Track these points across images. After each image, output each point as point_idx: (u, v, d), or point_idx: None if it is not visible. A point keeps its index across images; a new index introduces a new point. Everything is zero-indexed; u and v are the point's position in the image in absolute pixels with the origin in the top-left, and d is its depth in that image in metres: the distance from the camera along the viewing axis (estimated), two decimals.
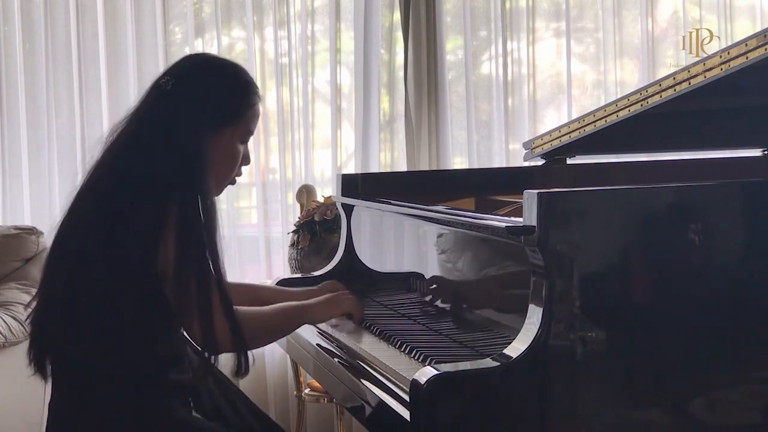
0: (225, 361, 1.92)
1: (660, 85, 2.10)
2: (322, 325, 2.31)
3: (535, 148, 2.65)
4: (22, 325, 3.23)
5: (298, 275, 3.01)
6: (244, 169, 2.03)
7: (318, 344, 2.24)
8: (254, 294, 2.27)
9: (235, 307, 1.90)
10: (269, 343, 2.18)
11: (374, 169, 4.03)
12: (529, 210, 1.64)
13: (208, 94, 1.93)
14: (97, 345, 1.82)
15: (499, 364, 1.58)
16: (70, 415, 1.87)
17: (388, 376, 1.85)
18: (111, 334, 1.81)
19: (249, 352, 1.89)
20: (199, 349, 1.83)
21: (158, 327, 1.85)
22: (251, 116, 1.99)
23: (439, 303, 2.19)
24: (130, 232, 1.80)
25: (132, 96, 3.91)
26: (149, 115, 1.91)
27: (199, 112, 1.90)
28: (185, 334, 1.89)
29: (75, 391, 1.86)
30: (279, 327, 2.10)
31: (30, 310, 1.93)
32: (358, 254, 2.67)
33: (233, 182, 2.03)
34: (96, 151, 1.93)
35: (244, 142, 2.00)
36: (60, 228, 1.92)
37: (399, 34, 4.07)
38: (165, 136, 1.87)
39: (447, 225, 2.10)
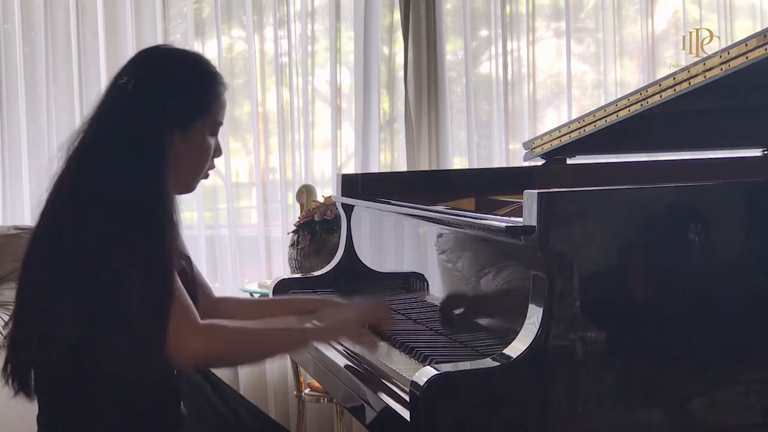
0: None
1: (660, 85, 2.10)
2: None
3: (535, 148, 2.65)
4: None
5: (298, 275, 3.01)
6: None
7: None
8: (246, 310, 2.16)
9: (218, 321, 1.84)
10: (256, 362, 2.00)
11: (374, 169, 4.04)
12: (529, 210, 1.64)
13: (172, 91, 1.85)
14: (77, 358, 1.75)
15: (499, 364, 1.58)
16: (57, 430, 1.83)
17: (388, 375, 1.85)
18: (90, 348, 1.74)
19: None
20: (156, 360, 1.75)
21: (134, 340, 1.75)
22: (218, 107, 1.91)
23: (439, 303, 2.19)
24: (102, 246, 1.73)
25: None
26: (112, 119, 1.84)
27: (165, 112, 1.82)
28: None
29: (60, 406, 1.82)
30: (266, 348, 1.93)
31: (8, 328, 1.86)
32: (358, 254, 2.66)
33: (206, 176, 1.97)
34: (59, 159, 1.84)
35: (215, 134, 1.93)
36: (30, 244, 1.85)
37: (399, 34, 4.07)
38: (131, 141, 1.79)
39: (447, 225, 2.09)
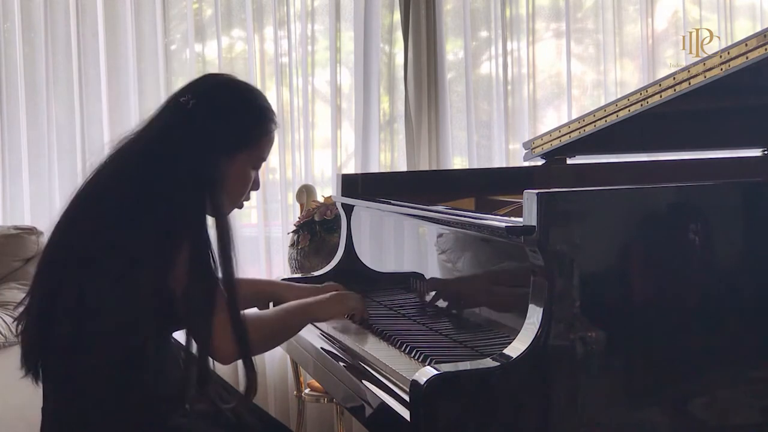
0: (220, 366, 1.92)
1: (660, 85, 2.10)
2: (323, 326, 2.31)
3: (535, 148, 2.65)
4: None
5: (298, 275, 3.01)
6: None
7: (318, 344, 2.24)
8: (259, 289, 2.30)
9: (243, 312, 1.90)
10: (277, 345, 2.18)
11: (374, 169, 4.03)
12: (529, 210, 1.64)
13: (227, 117, 1.93)
14: (92, 351, 1.80)
15: (499, 364, 1.58)
16: (62, 420, 1.85)
17: (388, 376, 1.85)
18: (108, 342, 1.80)
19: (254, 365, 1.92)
20: (200, 358, 1.84)
21: (154, 337, 1.84)
22: (266, 143, 2.00)
23: (439, 303, 2.19)
24: (145, 247, 1.80)
25: (132, 96, 3.92)
26: (166, 130, 1.91)
27: (218, 134, 1.91)
28: (190, 344, 1.88)
29: (67, 397, 1.85)
30: (285, 329, 2.10)
31: (18, 312, 1.92)
32: (358, 254, 2.67)
33: (241, 206, 2.04)
34: (98, 157, 1.92)
35: (257, 168, 2.01)
36: (59, 231, 1.90)
37: (399, 34, 4.07)
38: (182, 154, 1.88)
39: (447, 225, 2.10)
